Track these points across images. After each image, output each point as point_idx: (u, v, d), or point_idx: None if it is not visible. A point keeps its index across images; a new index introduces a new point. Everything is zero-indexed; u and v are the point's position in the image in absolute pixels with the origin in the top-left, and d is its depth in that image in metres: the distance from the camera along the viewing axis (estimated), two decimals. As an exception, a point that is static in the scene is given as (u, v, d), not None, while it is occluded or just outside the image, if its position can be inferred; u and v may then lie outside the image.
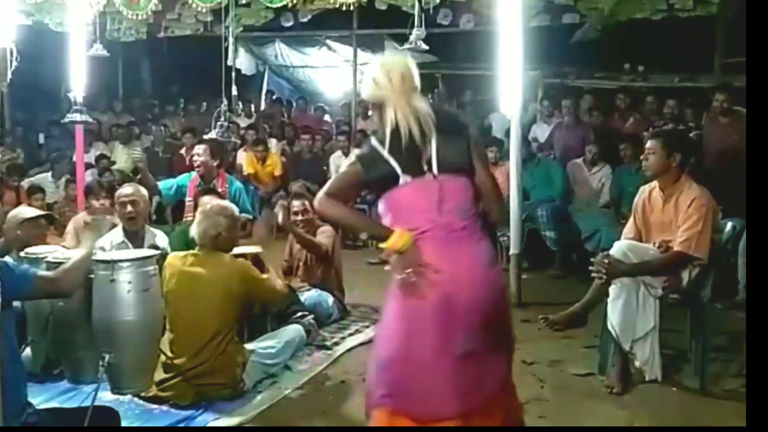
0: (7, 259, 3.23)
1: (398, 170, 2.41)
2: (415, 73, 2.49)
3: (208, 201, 3.72)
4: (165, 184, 5.48)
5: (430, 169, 2.41)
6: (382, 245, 2.44)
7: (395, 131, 2.41)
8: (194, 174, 5.38)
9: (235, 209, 3.80)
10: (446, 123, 2.46)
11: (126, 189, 4.36)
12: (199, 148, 5.38)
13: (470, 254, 2.41)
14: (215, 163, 5.31)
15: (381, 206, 2.50)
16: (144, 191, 4.40)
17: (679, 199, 3.74)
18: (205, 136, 6.11)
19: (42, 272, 3.05)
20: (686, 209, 3.67)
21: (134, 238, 4.22)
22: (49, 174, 8.07)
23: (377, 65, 2.51)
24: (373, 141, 2.47)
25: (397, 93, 2.43)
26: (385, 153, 2.43)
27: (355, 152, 2.59)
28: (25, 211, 4.10)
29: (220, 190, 5.22)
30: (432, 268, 2.35)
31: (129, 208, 4.20)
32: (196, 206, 5.04)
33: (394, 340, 2.44)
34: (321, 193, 2.49)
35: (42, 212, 4.16)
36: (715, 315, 3.99)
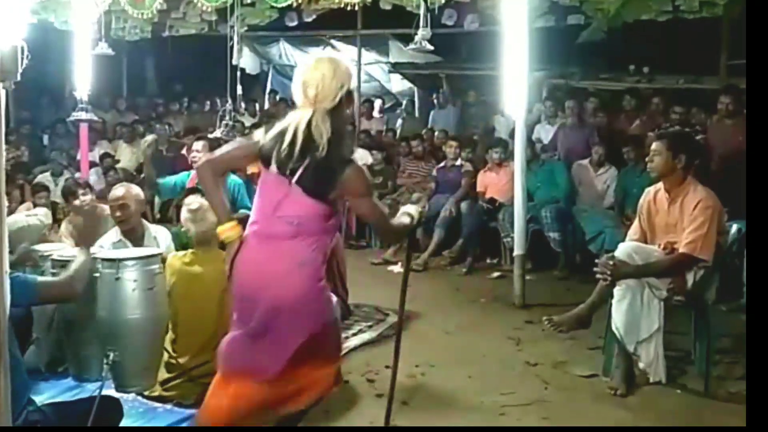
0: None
1: (273, 159, 2.59)
2: (333, 86, 2.58)
3: (193, 200, 3.69)
4: (166, 181, 5.41)
5: (292, 175, 2.56)
6: (218, 228, 2.73)
7: (284, 132, 2.58)
8: (193, 172, 5.24)
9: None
10: (331, 150, 2.53)
11: (117, 191, 4.25)
12: (198, 145, 5.31)
13: (278, 256, 2.60)
14: None
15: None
16: (136, 191, 4.28)
17: (685, 200, 3.73)
18: (211, 135, 6.09)
19: (43, 279, 3.06)
20: (692, 211, 3.66)
21: (132, 236, 4.20)
22: (49, 173, 8.08)
23: (298, 75, 2.67)
24: (280, 126, 2.62)
25: (307, 106, 2.61)
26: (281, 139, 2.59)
27: (262, 129, 2.73)
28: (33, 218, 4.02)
29: None
30: (236, 267, 2.65)
31: (118, 213, 4.15)
32: None
33: None
34: (206, 156, 2.80)
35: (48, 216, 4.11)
36: (719, 317, 3.99)
